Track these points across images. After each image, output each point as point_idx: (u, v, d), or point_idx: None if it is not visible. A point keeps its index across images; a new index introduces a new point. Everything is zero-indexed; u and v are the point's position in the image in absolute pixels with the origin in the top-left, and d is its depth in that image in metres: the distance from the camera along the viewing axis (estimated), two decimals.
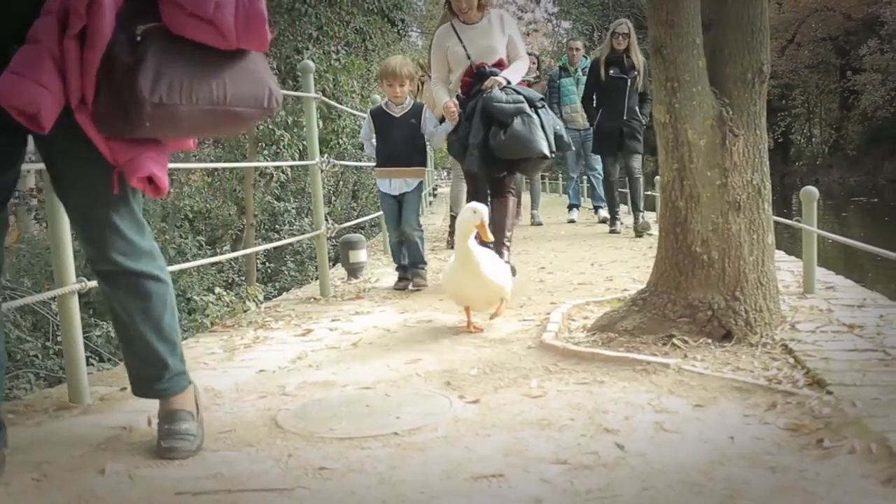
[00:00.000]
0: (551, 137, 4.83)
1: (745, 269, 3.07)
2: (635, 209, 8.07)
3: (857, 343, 2.91)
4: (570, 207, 10.66)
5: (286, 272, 12.31)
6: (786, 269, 4.75)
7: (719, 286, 3.06)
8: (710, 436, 2.09)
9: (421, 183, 5.16)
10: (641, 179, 8.15)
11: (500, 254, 4.77)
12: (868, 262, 12.16)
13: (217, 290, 9.46)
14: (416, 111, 5.03)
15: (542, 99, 4.97)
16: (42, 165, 2.56)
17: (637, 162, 8.04)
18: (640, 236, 7.65)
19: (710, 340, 2.98)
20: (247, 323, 4.20)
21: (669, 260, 3.18)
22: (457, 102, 5.01)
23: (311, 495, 1.86)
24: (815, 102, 39.42)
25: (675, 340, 2.99)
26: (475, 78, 5.03)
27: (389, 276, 5.72)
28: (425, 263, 5.17)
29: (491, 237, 3.62)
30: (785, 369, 2.64)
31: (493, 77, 4.93)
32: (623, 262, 5.73)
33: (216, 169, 13.35)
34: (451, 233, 7.56)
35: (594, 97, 8.10)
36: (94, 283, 2.84)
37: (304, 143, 9.69)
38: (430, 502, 1.78)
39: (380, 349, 3.39)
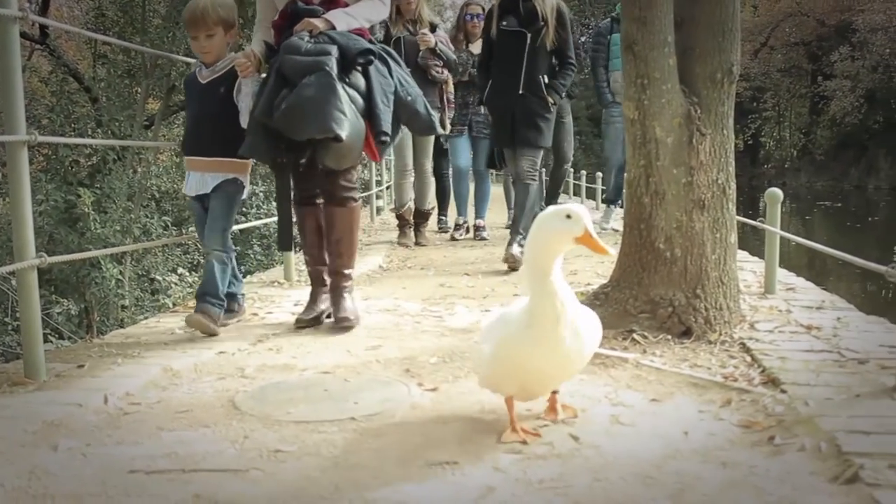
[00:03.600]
0: (383, 112, 3.30)
1: (706, 267, 3.10)
2: (514, 230, 5.39)
3: (814, 344, 2.95)
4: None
5: (252, 256, 12.23)
6: (748, 269, 4.80)
7: (681, 283, 3.09)
8: (665, 430, 2.12)
9: (232, 182, 3.49)
10: (534, 188, 5.33)
11: (341, 295, 3.55)
12: (830, 266, 12.34)
13: (181, 270, 9.39)
14: (231, 76, 3.46)
15: (369, 51, 3.29)
16: (7, 138, 2.54)
17: (529, 160, 5.22)
18: (514, 269, 5.10)
19: (669, 336, 3.01)
20: None
21: (633, 256, 3.20)
22: (254, 53, 3.44)
23: (265, 477, 1.85)
24: (785, 106, 39.86)
25: (635, 335, 3.01)
26: (288, 19, 3.43)
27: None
28: (221, 301, 3.45)
29: (610, 251, 1.95)
30: (741, 367, 2.67)
31: (307, 19, 3.33)
32: (588, 256, 5.74)
33: None
34: (401, 226, 6.83)
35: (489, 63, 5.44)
36: (54, 259, 2.81)
37: None
38: (384, 487, 1.78)
39: (340, 334, 3.38)
